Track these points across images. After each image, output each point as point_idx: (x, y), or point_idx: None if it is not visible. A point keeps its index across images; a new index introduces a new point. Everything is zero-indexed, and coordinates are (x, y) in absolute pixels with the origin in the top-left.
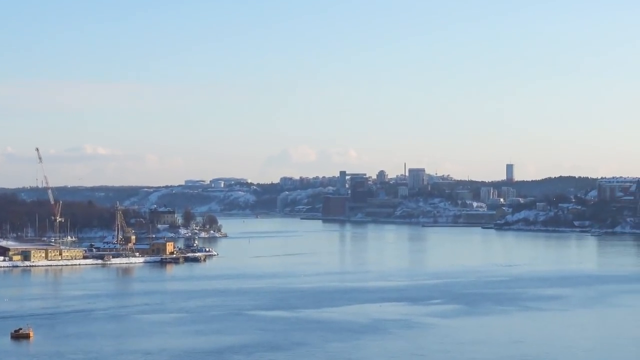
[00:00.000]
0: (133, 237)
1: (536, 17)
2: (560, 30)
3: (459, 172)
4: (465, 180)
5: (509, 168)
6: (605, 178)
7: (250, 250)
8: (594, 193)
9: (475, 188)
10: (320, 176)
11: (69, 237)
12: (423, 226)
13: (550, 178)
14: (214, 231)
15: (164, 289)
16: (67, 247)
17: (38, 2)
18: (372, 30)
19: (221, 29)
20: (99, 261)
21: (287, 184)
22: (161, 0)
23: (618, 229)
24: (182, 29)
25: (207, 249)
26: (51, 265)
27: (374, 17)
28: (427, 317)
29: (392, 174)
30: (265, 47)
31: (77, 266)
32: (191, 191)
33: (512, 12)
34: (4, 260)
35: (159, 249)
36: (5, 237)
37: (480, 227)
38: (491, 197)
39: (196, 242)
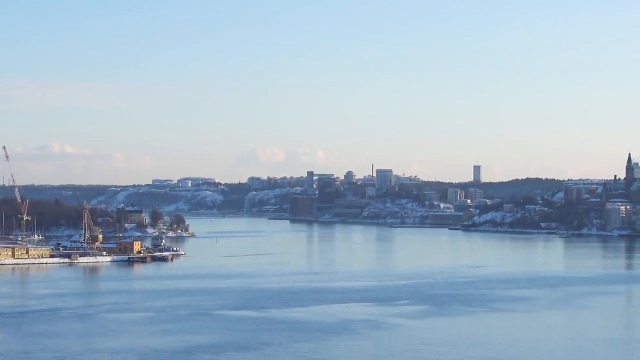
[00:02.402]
0: (100, 236)
1: (501, 18)
2: (526, 32)
3: (427, 173)
4: (433, 181)
5: (476, 169)
6: (572, 180)
7: (217, 250)
8: (560, 195)
9: (442, 189)
10: (288, 176)
11: (35, 236)
12: (390, 227)
13: (517, 179)
14: (182, 231)
15: (131, 288)
16: (34, 246)
17: (5, 1)
18: (340, 32)
19: (189, 30)
20: (66, 260)
21: (254, 183)
22: (127, 1)
23: (584, 230)
24: (150, 30)
25: (175, 249)
26: (18, 264)
27: (342, 18)
28: (395, 318)
29: (359, 174)
30: (234, 47)
31: (44, 265)
32: (159, 190)
33: (478, 14)
34: None
35: (126, 248)
36: None
37: (447, 228)
38: (458, 198)
39: (163, 241)
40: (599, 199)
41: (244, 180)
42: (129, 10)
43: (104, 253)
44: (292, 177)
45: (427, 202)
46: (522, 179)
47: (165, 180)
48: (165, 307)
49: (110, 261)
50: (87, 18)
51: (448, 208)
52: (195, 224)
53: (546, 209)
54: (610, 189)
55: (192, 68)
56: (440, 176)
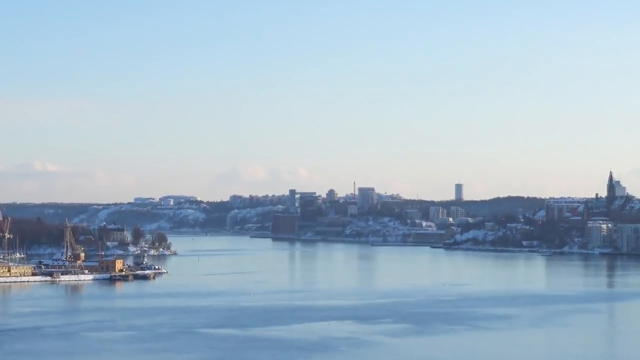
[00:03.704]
0: (82, 254)
1: (486, 39)
2: (509, 53)
3: (409, 191)
4: (415, 200)
5: (458, 188)
6: (553, 198)
7: (199, 268)
8: (542, 213)
9: (424, 207)
10: (270, 195)
11: (17, 254)
12: (372, 245)
13: (498, 198)
14: (164, 249)
15: (113, 306)
16: (16, 264)
17: None
18: (321, 49)
19: (169, 46)
20: (48, 278)
21: (236, 202)
22: (108, 19)
23: (566, 249)
24: (130, 46)
25: (157, 267)
26: None
27: (323, 36)
28: (376, 336)
29: (341, 192)
30: (215, 64)
31: (26, 283)
32: (140, 209)
33: (461, 35)
34: None
35: (108, 266)
36: None
37: (429, 247)
38: (440, 216)
39: (145, 259)
40: (580, 218)
41: (226, 198)
42: (109, 28)
43: (86, 271)
44: (274, 196)
45: (409, 221)
46: (503, 197)
47: (147, 199)
48: (147, 326)
49: (92, 279)
50: (68, 36)
51: (430, 226)
52: (177, 242)
53: (528, 227)
54: (591, 207)
55: (173, 85)
56: (422, 194)
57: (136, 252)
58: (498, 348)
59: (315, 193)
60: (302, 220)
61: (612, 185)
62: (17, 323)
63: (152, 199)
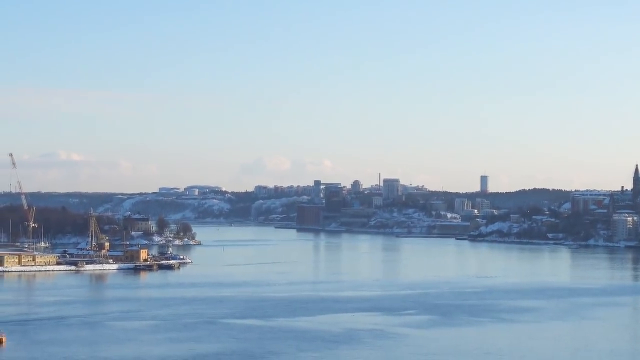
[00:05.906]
0: (107, 244)
1: (511, 32)
2: (535, 45)
3: (434, 182)
4: (440, 191)
5: (483, 179)
6: (578, 191)
7: (224, 259)
8: (567, 206)
9: (449, 199)
10: (295, 185)
11: (42, 243)
12: (397, 236)
13: (524, 190)
14: (188, 239)
15: (137, 296)
16: (41, 253)
17: (12, 9)
18: (347, 43)
19: (197, 39)
20: (73, 267)
21: (261, 192)
22: (137, 10)
23: (591, 241)
24: (157, 39)
25: (181, 257)
26: (24, 271)
27: (349, 30)
28: (401, 328)
29: (366, 184)
30: (241, 57)
31: (50, 272)
32: (165, 199)
33: (486, 27)
34: None
35: (133, 256)
36: None
37: (454, 238)
38: (465, 208)
39: (170, 249)
40: (605, 210)
41: (251, 189)
42: (136, 20)
43: (111, 261)
44: (298, 186)
45: (434, 212)
46: (529, 190)
47: (171, 189)
48: (171, 316)
49: (117, 269)
50: (94, 27)
51: (455, 218)
52: (201, 232)
53: (553, 219)
54: (617, 200)
55: (199, 77)
56: (447, 186)
57: (161, 242)
58: (523, 340)
59: (340, 184)
60: (326, 211)
61: (638, 178)
62: (42, 312)
63: (177, 189)
